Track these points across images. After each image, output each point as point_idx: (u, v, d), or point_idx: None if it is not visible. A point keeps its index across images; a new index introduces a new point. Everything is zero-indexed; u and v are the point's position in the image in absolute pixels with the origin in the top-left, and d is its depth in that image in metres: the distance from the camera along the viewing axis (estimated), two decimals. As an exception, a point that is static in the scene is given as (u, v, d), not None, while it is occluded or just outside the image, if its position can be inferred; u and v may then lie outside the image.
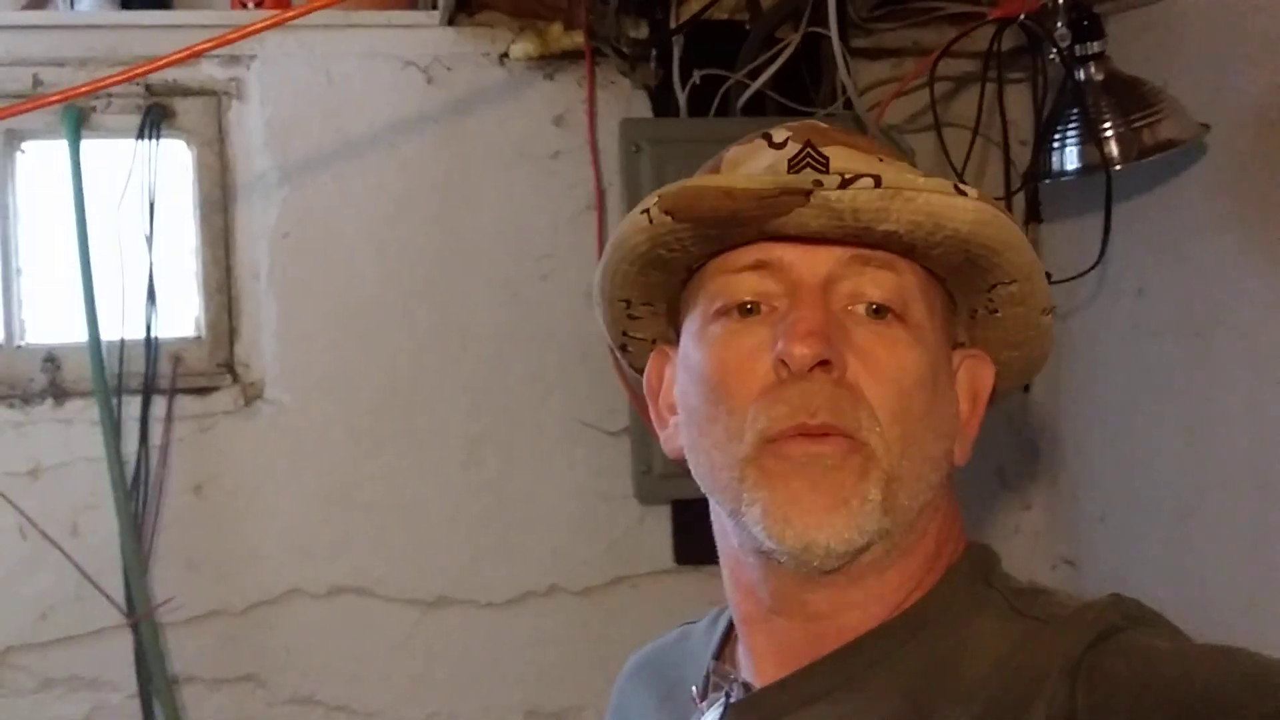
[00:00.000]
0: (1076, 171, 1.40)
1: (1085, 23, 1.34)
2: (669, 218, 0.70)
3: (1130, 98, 1.35)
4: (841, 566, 0.69)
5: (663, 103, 1.72)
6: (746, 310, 0.71)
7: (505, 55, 1.71)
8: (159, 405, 1.63)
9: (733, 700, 0.76)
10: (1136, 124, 1.33)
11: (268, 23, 1.37)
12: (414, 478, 1.70)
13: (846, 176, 0.66)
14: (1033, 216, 1.61)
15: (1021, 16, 1.38)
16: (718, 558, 1.88)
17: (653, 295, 0.78)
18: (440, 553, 1.71)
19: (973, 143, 1.60)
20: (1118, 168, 1.36)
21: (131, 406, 1.62)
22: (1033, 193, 1.59)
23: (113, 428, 1.59)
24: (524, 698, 1.74)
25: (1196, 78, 1.42)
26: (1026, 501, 1.81)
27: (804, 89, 1.70)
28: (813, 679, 0.72)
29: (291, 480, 1.68)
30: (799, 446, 0.67)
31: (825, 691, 0.71)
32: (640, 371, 0.83)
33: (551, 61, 1.71)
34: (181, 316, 1.68)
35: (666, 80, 1.69)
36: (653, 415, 0.82)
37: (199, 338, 1.67)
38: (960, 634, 0.70)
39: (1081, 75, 1.36)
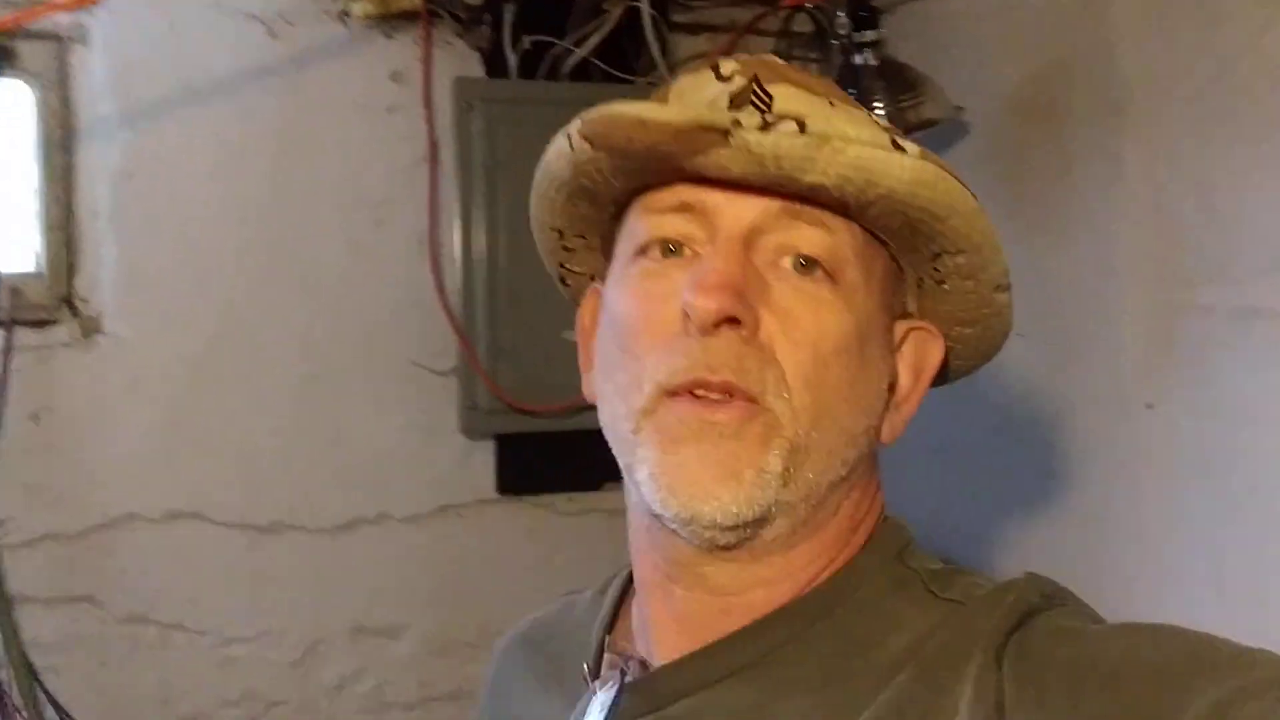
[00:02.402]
0: (850, 145, 1.57)
1: (863, 14, 1.52)
2: (587, 144, 0.65)
3: (898, 81, 1.54)
4: (741, 542, 0.65)
5: (495, 64, 1.83)
6: (670, 251, 0.67)
7: (346, 13, 1.80)
8: (-2, 336, 1.69)
9: (629, 680, 0.70)
10: (903, 104, 1.51)
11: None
12: (249, 411, 1.79)
13: (769, 119, 0.61)
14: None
15: (808, 4, 1.54)
16: (538, 489, 2.03)
17: (584, 228, 0.74)
18: (274, 481, 1.81)
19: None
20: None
21: (-31, 337, 1.67)
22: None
23: (-50, 356, 1.64)
24: (352, 617, 1.86)
25: (962, 67, 1.62)
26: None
27: (626, 58, 1.84)
28: (716, 658, 0.67)
29: (129, 410, 1.75)
30: (694, 411, 0.63)
31: (729, 672, 0.67)
32: (579, 303, 0.79)
33: (390, 21, 1.81)
34: (22, 251, 1.73)
35: (499, 43, 1.81)
36: (580, 360, 0.76)
37: (39, 273, 1.72)
38: (876, 614, 0.66)
39: (859, 60, 1.54)
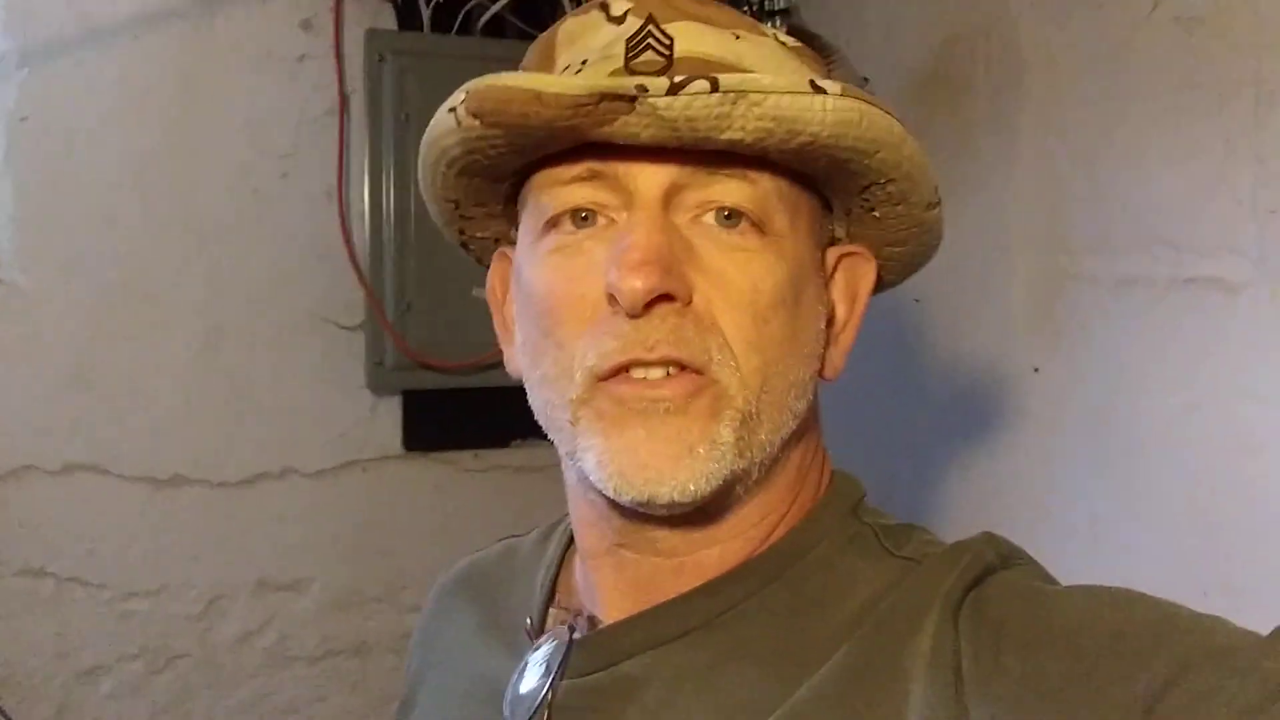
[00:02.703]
0: (759, 111, 1.61)
1: (774, -18, 1.55)
2: (477, 121, 0.60)
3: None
4: (696, 510, 0.63)
5: (408, 17, 1.82)
6: (581, 220, 0.63)
7: (255, -42, 1.77)
8: (-116, 281, 1.64)
9: (577, 636, 0.68)
10: (810, 73, 1.55)
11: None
12: (151, 362, 1.77)
13: (676, 80, 0.56)
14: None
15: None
16: (444, 445, 2.01)
17: (483, 198, 0.69)
18: (175, 434, 1.79)
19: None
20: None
21: None
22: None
23: None
24: (255, 571, 1.85)
25: (870, 38, 1.66)
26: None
27: (540, 14, 1.84)
28: (669, 618, 0.66)
29: (26, 360, 1.71)
30: (634, 389, 0.60)
31: (682, 632, 0.65)
32: (487, 265, 0.76)
33: (301, -33, 1.79)
34: (-91, 193, 1.67)
35: (412, -5, 1.80)
36: (496, 327, 0.73)
37: (-72, 215, 1.67)
38: (830, 572, 0.65)
39: (769, 28, 1.56)
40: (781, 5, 1.56)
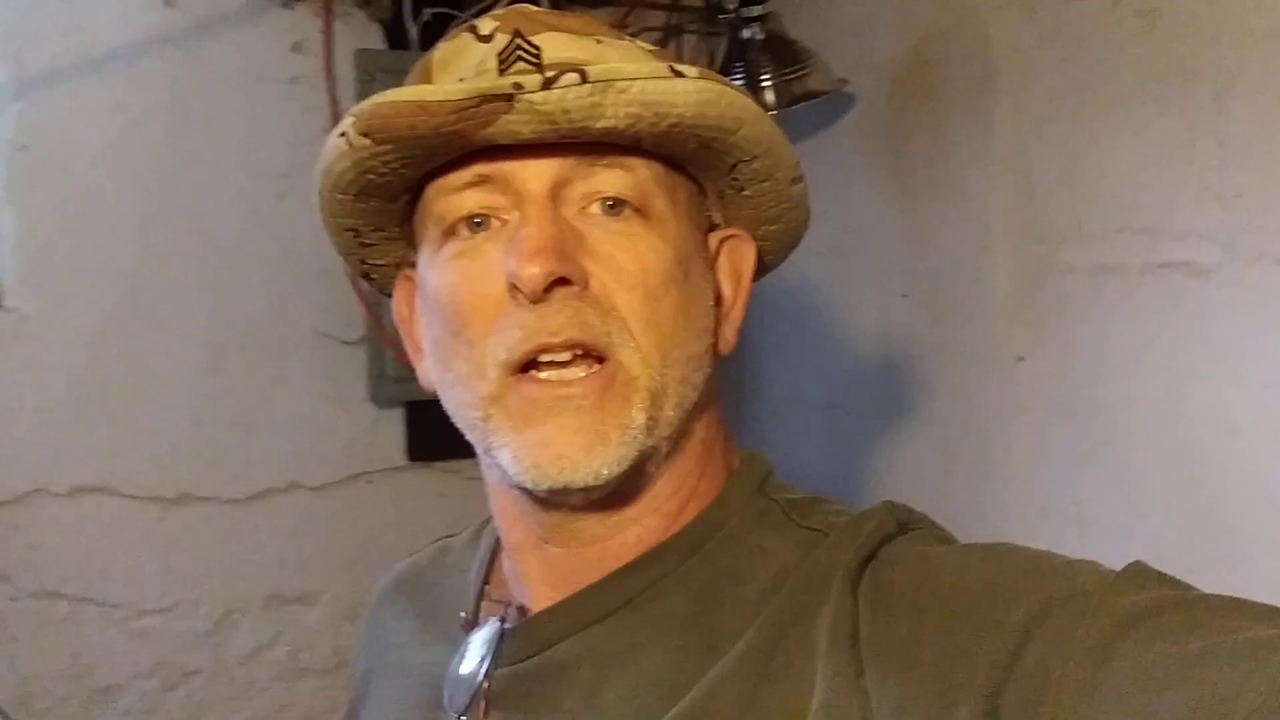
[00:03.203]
0: (740, 115, 1.65)
1: (749, -10, 1.60)
2: (367, 139, 0.63)
3: (784, 55, 1.61)
4: (611, 494, 0.66)
5: (396, 36, 1.86)
6: (476, 225, 0.66)
7: (244, -17, 1.81)
8: (-108, 313, 1.67)
9: (508, 626, 0.72)
10: (788, 76, 1.59)
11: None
12: (156, 382, 1.80)
13: (549, 75, 0.60)
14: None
15: (696, -20, 1.61)
16: (448, 455, 2.04)
17: (381, 221, 0.72)
18: (182, 453, 1.82)
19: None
20: (773, 113, 1.61)
21: None
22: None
23: None
24: (265, 585, 1.88)
25: (846, 41, 1.70)
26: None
27: (525, 31, 1.88)
28: (591, 601, 0.69)
29: (33, 385, 1.74)
30: (545, 390, 0.63)
31: (605, 613, 0.68)
32: (391, 297, 0.78)
33: (289, -9, 1.83)
34: (-86, 226, 1.71)
35: (399, 15, 1.84)
36: (407, 348, 0.76)
37: (-67, 247, 1.71)
38: (742, 547, 0.68)
39: (746, 34, 1.61)
40: (757, 12, 1.60)
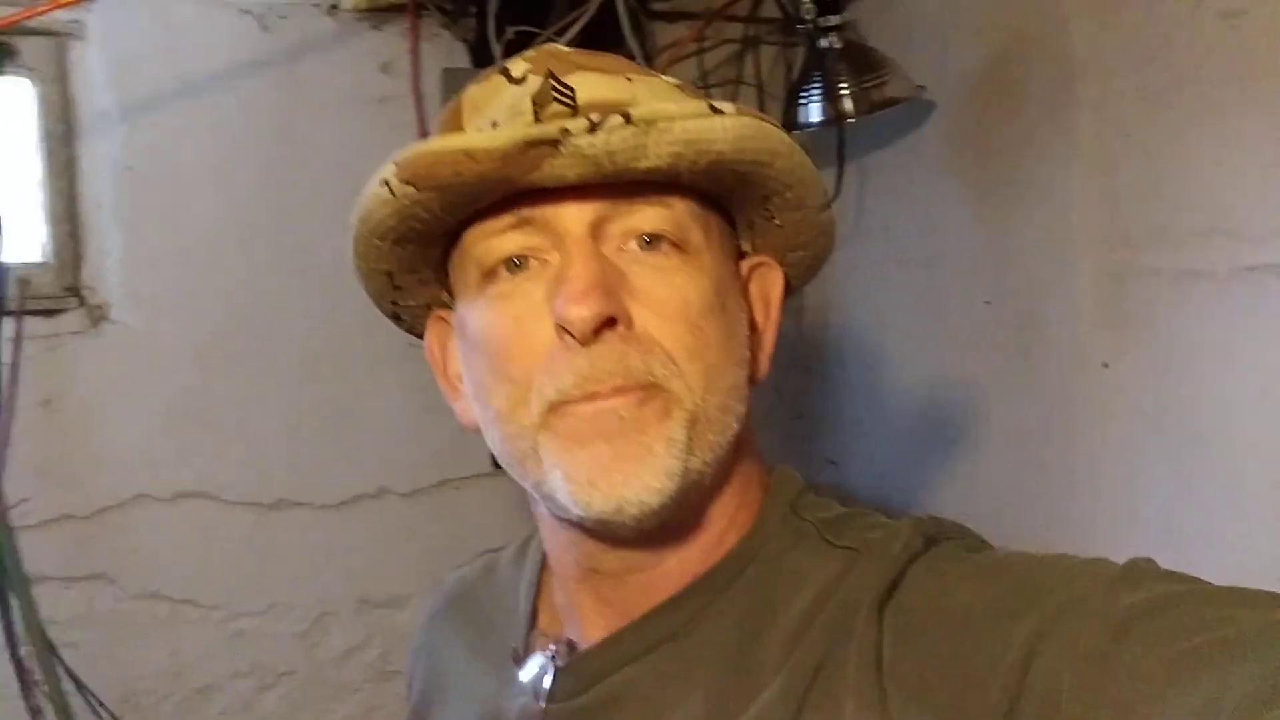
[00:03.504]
0: (818, 124, 1.66)
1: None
2: (411, 188, 0.64)
3: (862, 63, 1.62)
4: (662, 523, 0.67)
5: (481, 55, 1.90)
6: (515, 266, 0.67)
7: (335, 6, 1.87)
8: (7, 326, 1.75)
9: (558, 664, 0.73)
10: (866, 85, 1.60)
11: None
12: (253, 392, 1.87)
13: (594, 119, 0.61)
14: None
15: (770, -9, 1.63)
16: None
17: (415, 265, 0.73)
18: (278, 460, 1.88)
19: (735, 99, 1.85)
20: (850, 121, 1.62)
21: (-19, 327, 1.74)
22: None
23: (-36, 346, 1.71)
24: (356, 589, 1.94)
25: (926, 48, 1.70)
26: (798, 411, 2.09)
27: (607, 46, 1.91)
28: (638, 635, 0.70)
29: (137, 395, 1.82)
30: (588, 404, 0.64)
31: (650, 647, 0.69)
32: (421, 337, 0.80)
33: (378, 13, 1.88)
34: (29, 244, 1.79)
35: (484, 34, 1.87)
36: (442, 386, 0.78)
37: (46, 263, 1.79)
38: (780, 571, 0.69)
39: (823, 43, 1.61)
40: (835, 21, 1.61)
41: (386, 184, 0.66)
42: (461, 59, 1.92)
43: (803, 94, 1.64)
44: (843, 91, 1.60)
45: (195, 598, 1.87)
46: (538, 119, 0.65)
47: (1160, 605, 0.55)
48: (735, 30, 1.94)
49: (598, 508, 0.64)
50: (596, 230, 0.66)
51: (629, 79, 0.68)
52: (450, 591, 0.91)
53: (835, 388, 2.02)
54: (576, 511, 0.65)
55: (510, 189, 0.64)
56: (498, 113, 0.68)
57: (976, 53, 1.62)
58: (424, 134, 1.89)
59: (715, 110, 0.63)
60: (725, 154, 0.64)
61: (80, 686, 1.81)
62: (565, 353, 0.64)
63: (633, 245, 0.66)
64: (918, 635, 0.61)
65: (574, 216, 0.66)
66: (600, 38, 1.91)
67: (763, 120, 0.66)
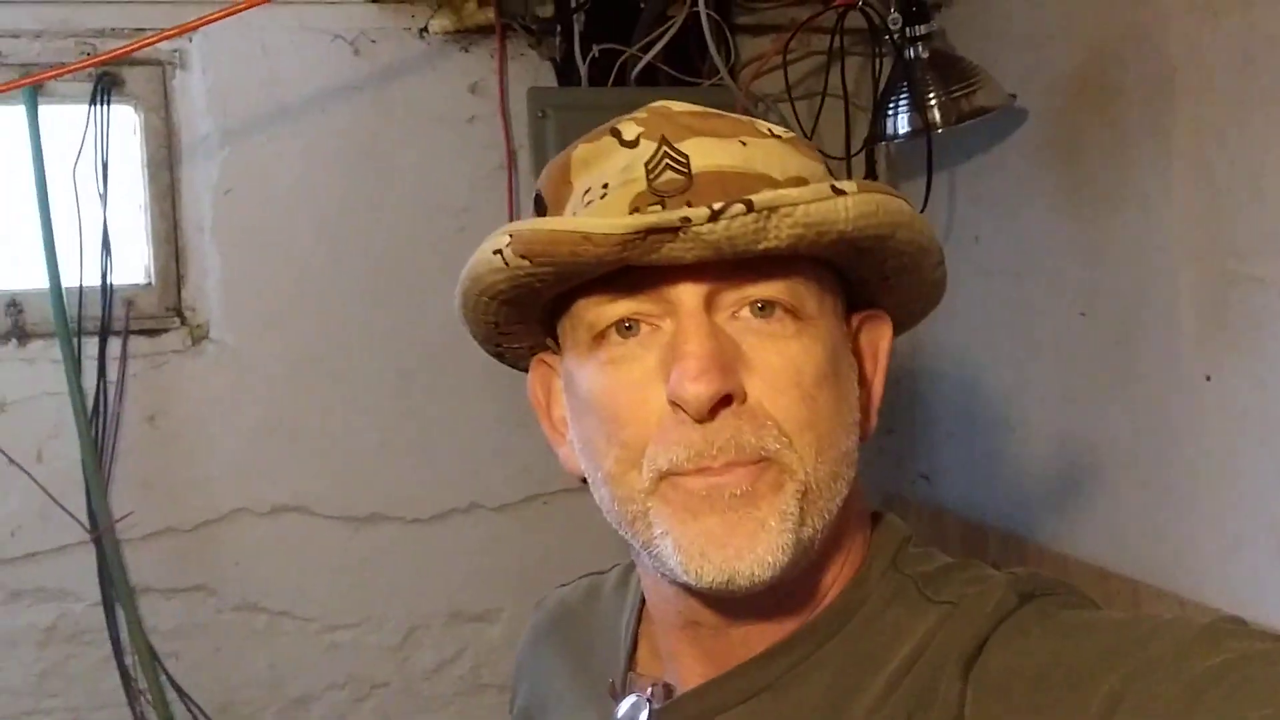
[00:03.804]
0: (906, 135, 1.64)
1: (914, 9, 1.58)
2: (526, 261, 0.64)
3: (951, 72, 1.59)
4: (771, 588, 0.66)
5: (566, 73, 1.92)
6: (626, 330, 0.67)
7: (425, 29, 1.91)
8: (114, 345, 1.82)
9: (655, 707, 0.74)
10: (955, 94, 1.57)
11: (218, 14, 1.55)
12: (347, 408, 1.91)
13: (715, 208, 0.60)
14: (870, 173, 1.86)
15: (860, 3, 1.61)
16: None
17: (522, 317, 0.73)
18: (371, 475, 1.92)
19: (819, 111, 1.84)
20: (939, 131, 1.60)
21: (89, 346, 1.81)
22: (870, 153, 1.84)
23: (73, 365, 1.77)
24: (448, 602, 1.96)
25: (1016, 55, 1.67)
26: (889, 426, 2.06)
27: (691, 62, 1.92)
28: (733, 684, 0.70)
29: (236, 412, 1.87)
30: (701, 479, 0.64)
31: (747, 696, 0.70)
32: (524, 371, 0.80)
33: (466, 35, 1.92)
34: (133, 265, 1.86)
35: (569, 53, 1.90)
36: (545, 428, 0.78)
37: (149, 284, 1.85)
38: (879, 627, 0.69)
39: (910, 53, 1.60)
40: (923, 31, 1.59)
41: (499, 253, 0.65)
42: (548, 78, 1.94)
43: (890, 105, 1.63)
44: (931, 101, 1.58)
45: (292, 610, 1.91)
46: (651, 188, 0.66)
47: (1237, 667, 0.54)
48: (820, 42, 1.92)
49: (709, 579, 0.64)
50: (710, 301, 0.65)
51: (743, 143, 0.68)
52: (553, 612, 0.91)
53: (927, 402, 1.99)
54: (686, 580, 0.65)
55: (626, 265, 0.64)
56: (609, 175, 0.68)
57: (1069, 59, 1.59)
58: (511, 151, 1.91)
59: (837, 191, 0.63)
60: (847, 233, 0.63)
61: (182, 695, 1.87)
62: (678, 425, 0.64)
63: (746, 312, 0.66)
64: (999, 696, 0.60)
65: (688, 289, 0.65)
66: (684, 53, 1.92)
67: (886, 194, 0.65)
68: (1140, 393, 1.50)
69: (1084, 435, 1.62)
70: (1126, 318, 1.52)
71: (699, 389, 0.62)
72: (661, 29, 1.87)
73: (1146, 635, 0.59)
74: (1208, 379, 1.39)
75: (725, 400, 0.64)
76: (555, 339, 0.74)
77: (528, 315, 0.73)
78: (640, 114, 0.69)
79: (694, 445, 0.63)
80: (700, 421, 0.63)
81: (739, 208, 0.60)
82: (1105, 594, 1.54)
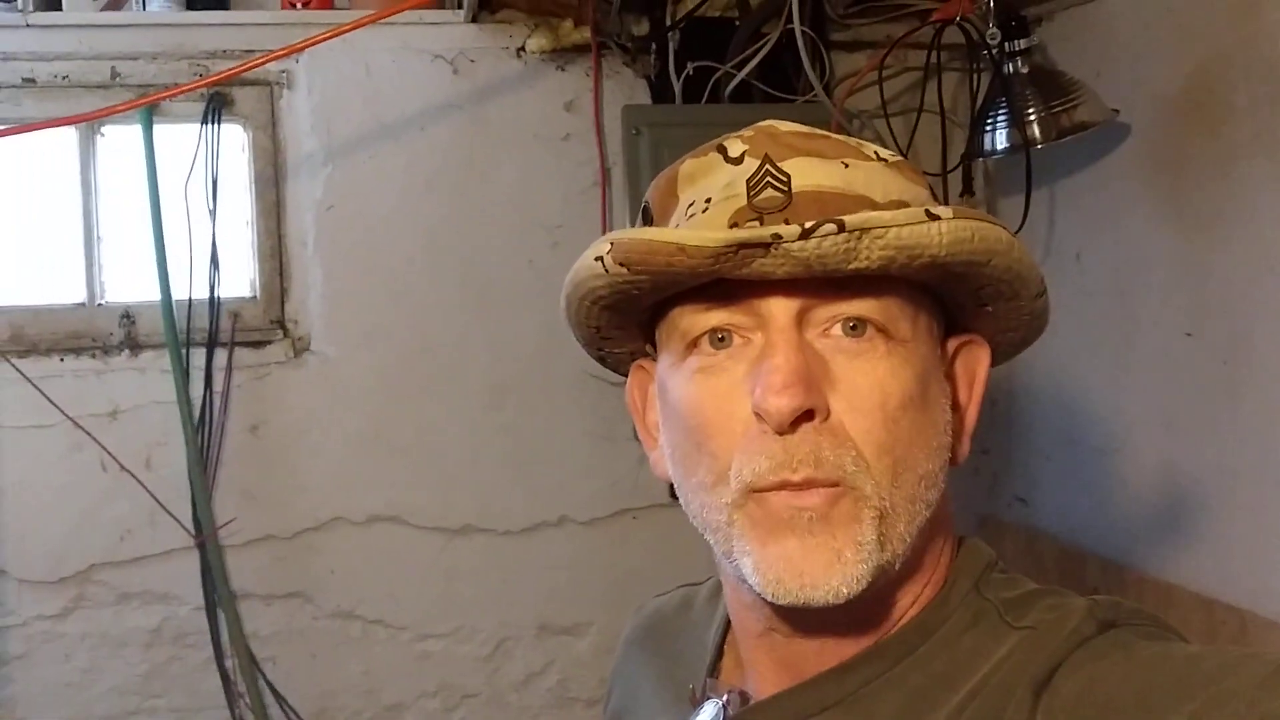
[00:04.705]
0: (1005, 150, 1.61)
1: (1013, 23, 1.56)
2: (624, 269, 0.66)
3: (1051, 87, 1.56)
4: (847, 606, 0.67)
5: (661, 91, 1.94)
6: (719, 340, 0.68)
7: (522, 49, 1.94)
8: (220, 356, 1.88)
9: (730, 713, 0.75)
10: (1055, 109, 1.54)
11: (324, 35, 1.60)
12: (441, 421, 1.94)
13: (806, 226, 0.62)
14: (966, 190, 1.83)
15: (958, 18, 1.59)
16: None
17: (622, 323, 0.75)
18: (464, 487, 1.95)
19: (915, 127, 1.82)
20: (1038, 146, 1.57)
21: (197, 357, 1.87)
22: (967, 169, 1.82)
23: (182, 375, 1.84)
24: (537, 615, 1.98)
25: (1120, 69, 1.63)
26: (984, 446, 2.03)
27: (786, 78, 1.91)
28: (809, 696, 0.71)
29: (335, 422, 1.92)
30: (781, 499, 0.65)
31: (820, 709, 0.70)
32: (624, 374, 0.82)
33: (563, 54, 1.94)
34: (240, 279, 1.92)
35: (664, 71, 1.91)
36: (640, 432, 0.80)
37: (255, 298, 1.91)
38: (956, 650, 0.69)
39: (1009, 69, 1.57)
40: (1022, 45, 1.56)
41: (600, 260, 0.67)
42: (642, 96, 1.96)
43: (988, 120, 1.60)
44: (1030, 117, 1.56)
45: (385, 618, 1.95)
46: (751, 204, 0.67)
47: None
48: (917, 58, 1.91)
49: (784, 601, 0.65)
50: (801, 317, 0.66)
51: (845, 164, 0.68)
52: (648, 619, 0.93)
53: (1024, 423, 1.95)
54: (763, 595, 0.66)
55: (719, 278, 0.66)
56: (712, 190, 0.69)
57: (1175, 73, 1.55)
58: (605, 169, 1.93)
59: (932, 216, 0.63)
60: (938, 258, 0.64)
61: (279, 699, 1.91)
62: (761, 437, 0.65)
63: (837, 330, 0.66)
64: (1066, 718, 0.60)
65: (780, 304, 0.66)
66: (779, 70, 1.92)
67: (982, 220, 0.65)
68: (1247, 416, 1.45)
69: (1188, 459, 1.57)
70: (1234, 338, 1.47)
71: (781, 402, 0.63)
72: (756, 46, 1.87)
73: (1223, 668, 0.58)
74: (1321, 402, 1.34)
75: (808, 415, 0.64)
76: (654, 345, 0.76)
77: (628, 321, 0.75)
78: (747, 132, 0.71)
79: (775, 456, 0.64)
80: (781, 434, 0.64)
81: (830, 227, 0.61)
82: (1211, 624, 1.49)
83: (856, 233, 0.61)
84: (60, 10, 1.86)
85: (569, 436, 1.96)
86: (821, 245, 0.61)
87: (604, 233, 1.89)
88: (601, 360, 0.82)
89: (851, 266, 0.63)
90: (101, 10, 1.90)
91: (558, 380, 1.95)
